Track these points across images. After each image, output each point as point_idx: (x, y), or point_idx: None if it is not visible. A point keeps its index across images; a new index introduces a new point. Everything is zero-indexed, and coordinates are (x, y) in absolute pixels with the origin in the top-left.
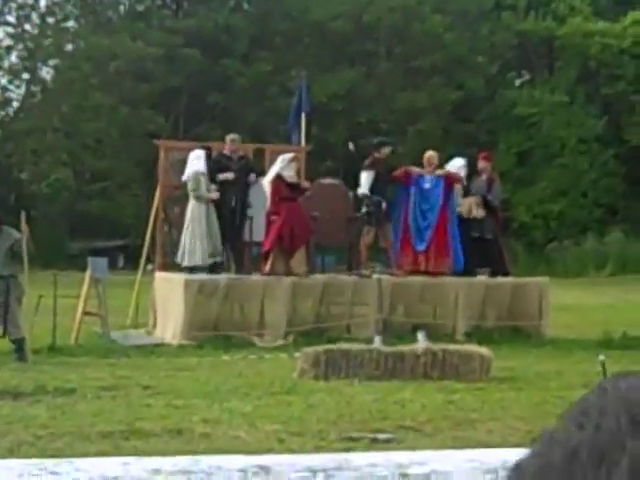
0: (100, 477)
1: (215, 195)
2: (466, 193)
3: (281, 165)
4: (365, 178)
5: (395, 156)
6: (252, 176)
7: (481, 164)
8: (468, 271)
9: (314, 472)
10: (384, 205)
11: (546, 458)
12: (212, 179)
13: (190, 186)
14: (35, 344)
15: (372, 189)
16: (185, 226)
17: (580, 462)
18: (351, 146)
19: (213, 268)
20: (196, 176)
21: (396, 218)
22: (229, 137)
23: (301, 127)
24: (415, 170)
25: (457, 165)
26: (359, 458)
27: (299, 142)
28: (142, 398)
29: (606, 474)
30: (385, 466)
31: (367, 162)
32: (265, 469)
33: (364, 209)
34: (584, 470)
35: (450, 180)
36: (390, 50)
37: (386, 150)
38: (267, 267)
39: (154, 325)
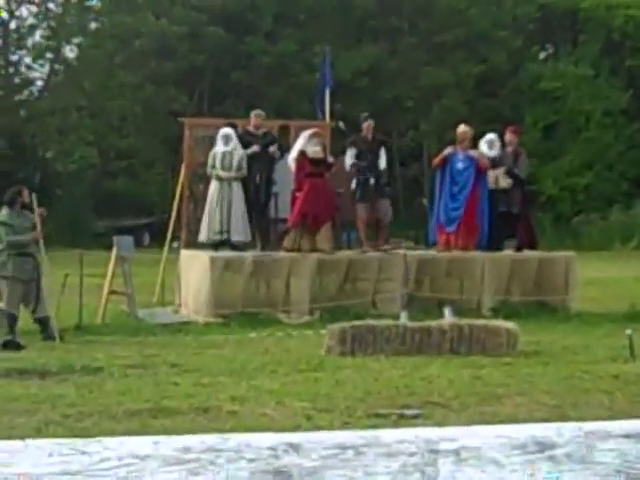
0: (130, 456)
1: (223, 173)
2: (495, 166)
3: (303, 141)
4: (347, 156)
5: (420, 132)
6: (273, 148)
7: (508, 136)
8: (495, 245)
9: (344, 449)
10: (372, 181)
11: None
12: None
13: (209, 164)
14: (62, 323)
15: (358, 166)
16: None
17: None
18: (341, 125)
19: (221, 245)
20: (212, 155)
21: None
22: (254, 112)
23: (325, 103)
24: (449, 151)
25: (487, 139)
26: (388, 435)
27: (323, 118)
28: (169, 376)
29: None
30: (414, 442)
31: (348, 141)
32: (295, 447)
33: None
34: None
35: (480, 166)
36: (413, 25)
37: (366, 124)
38: (285, 242)
39: (180, 303)
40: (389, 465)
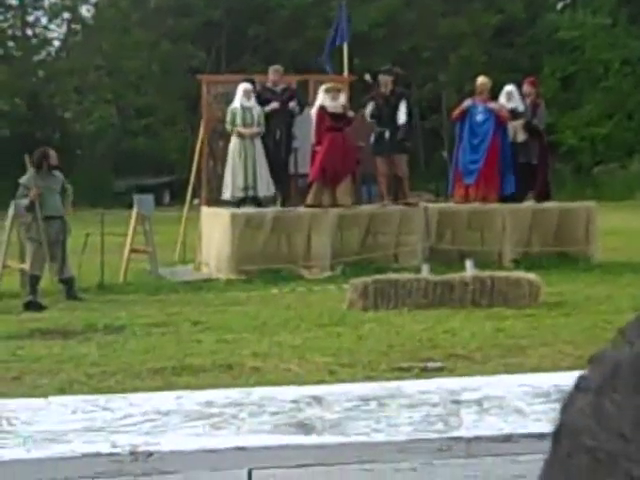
0: (154, 412)
1: (245, 130)
2: (514, 117)
3: (322, 96)
4: (367, 111)
5: (439, 84)
6: (292, 104)
7: (526, 88)
8: (515, 197)
9: (366, 401)
10: (387, 135)
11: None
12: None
13: (227, 120)
14: (83, 283)
15: (377, 120)
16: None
17: (620, 380)
18: (368, 77)
19: (244, 202)
20: (231, 111)
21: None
22: (272, 68)
23: (343, 57)
24: (468, 104)
25: (506, 90)
26: (411, 386)
27: (334, 71)
28: (192, 334)
29: None
30: (437, 393)
31: (366, 96)
32: (317, 399)
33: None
34: (624, 387)
35: (499, 118)
36: None
37: (383, 79)
38: (308, 199)
39: (202, 260)
40: (412, 416)
